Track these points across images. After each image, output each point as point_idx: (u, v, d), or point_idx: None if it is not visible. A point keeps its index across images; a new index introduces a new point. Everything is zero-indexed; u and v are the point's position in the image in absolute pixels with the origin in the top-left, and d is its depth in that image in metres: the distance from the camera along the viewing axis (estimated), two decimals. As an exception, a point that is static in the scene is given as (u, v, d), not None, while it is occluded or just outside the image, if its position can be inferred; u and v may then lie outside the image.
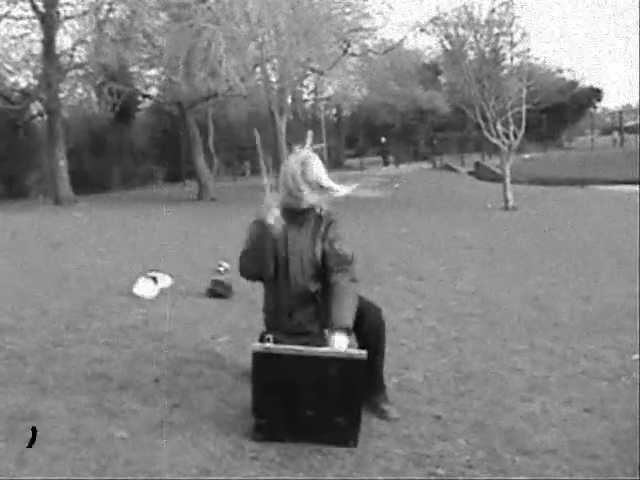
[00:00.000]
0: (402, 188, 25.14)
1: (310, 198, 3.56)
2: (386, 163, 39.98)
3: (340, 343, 3.30)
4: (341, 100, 33.51)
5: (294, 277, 3.62)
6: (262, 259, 3.59)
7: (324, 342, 3.48)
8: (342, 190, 3.70)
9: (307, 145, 3.73)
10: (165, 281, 6.82)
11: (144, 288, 6.50)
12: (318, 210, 3.63)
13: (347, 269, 3.55)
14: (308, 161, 3.57)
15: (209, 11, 18.35)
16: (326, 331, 3.41)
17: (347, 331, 3.35)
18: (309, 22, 18.60)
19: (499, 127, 17.44)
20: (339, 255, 3.58)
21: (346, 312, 3.41)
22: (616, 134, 45.87)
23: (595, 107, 48.88)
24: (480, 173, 31.17)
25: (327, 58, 21.33)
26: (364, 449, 3.24)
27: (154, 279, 6.66)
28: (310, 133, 3.88)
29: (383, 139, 39.33)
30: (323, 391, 3.25)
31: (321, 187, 3.58)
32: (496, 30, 18.33)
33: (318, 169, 3.58)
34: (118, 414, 3.60)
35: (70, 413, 3.60)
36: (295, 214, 3.60)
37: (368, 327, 3.57)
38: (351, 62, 25.04)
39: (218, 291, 6.44)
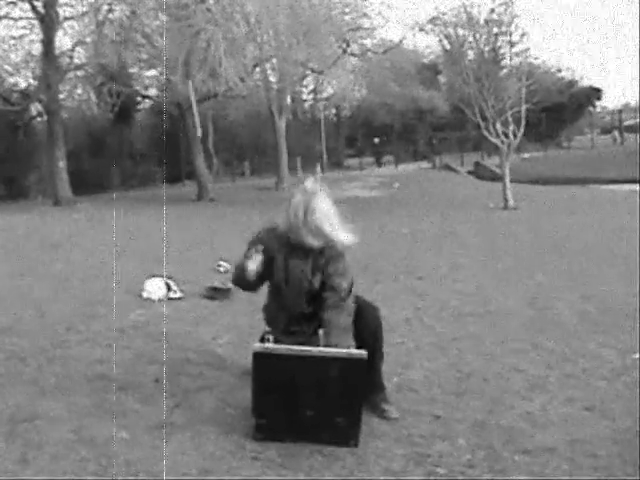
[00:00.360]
0: (402, 188, 25.13)
1: (311, 242, 3.50)
2: (379, 164, 39.33)
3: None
4: (340, 100, 33.49)
5: (292, 300, 3.65)
6: (243, 285, 3.72)
7: (319, 340, 3.51)
8: (346, 240, 3.55)
9: (317, 175, 3.66)
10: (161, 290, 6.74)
11: (152, 290, 6.49)
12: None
13: (342, 306, 3.53)
14: (312, 206, 3.45)
15: (208, 12, 18.35)
16: (320, 331, 3.43)
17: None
18: (308, 22, 18.62)
19: (498, 126, 17.44)
20: (335, 291, 3.55)
21: (343, 340, 3.42)
22: (616, 133, 45.88)
23: (594, 106, 48.89)
24: (479, 173, 31.20)
25: (326, 58, 21.35)
26: (364, 449, 3.24)
27: (166, 285, 6.63)
28: (318, 170, 3.78)
29: (376, 140, 38.62)
30: (323, 391, 3.25)
31: (324, 235, 3.49)
32: (495, 30, 18.36)
33: (323, 215, 3.47)
34: (118, 414, 3.60)
35: (70, 414, 3.60)
36: (298, 245, 3.55)
37: (365, 327, 3.57)
38: (350, 62, 25.06)
39: (216, 297, 6.44)
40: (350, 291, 3.58)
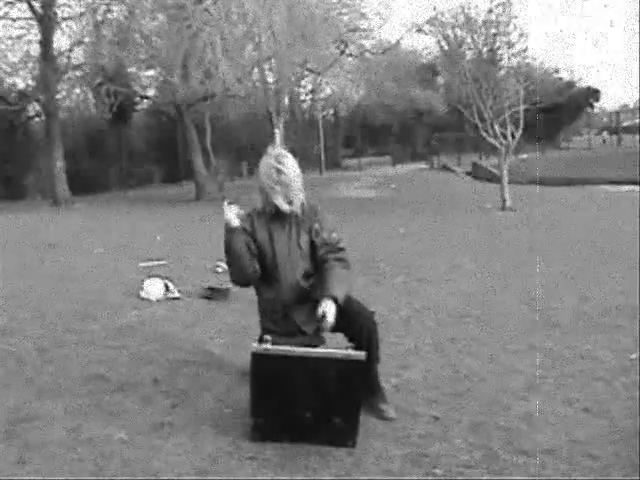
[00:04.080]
0: (399, 188, 25.14)
1: (285, 207, 3.56)
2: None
3: (327, 308, 3.35)
4: (338, 100, 33.47)
5: (285, 276, 3.63)
6: (238, 264, 3.63)
7: (320, 342, 3.50)
8: (299, 210, 3.61)
9: (277, 143, 3.71)
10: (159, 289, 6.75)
11: (150, 290, 6.49)
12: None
13: (339, 255, 3.59)
14: (284, 169, 3.54)
15: (206, 12, 18.35)
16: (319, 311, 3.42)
17: (335, 300, 3.38)
18: (306, 23, 18.61)
19: (496, 127, 17.45)
20: (328, 243, 3.61)
21: (335, 282, 3.46)
22: (605, 134, 46.03)
23: (592, 107, 48.92)
24: (477, 173, 31.18)
25: (324, 58, 21.33)
26: (362, 449, 3.24)
27: (165, 285, 6.64)
28: (277, 132, 3.87)
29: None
30: (321, 392, 3.25)
31: (297, 196, 3.57)
32: (493, 30, 18.35)
33: (292, 178, 3.56)
34: (116, 415, 3.60)
35: (68, 414, 3.60)
36: (275, 215, 3.62)
37: (360, 332, 3.55)
38: (348, 62, 25.05)
39: (213, 297, 6.44)
40: (341, 242, 3.64)
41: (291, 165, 3.58)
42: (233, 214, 3.55)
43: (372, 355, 3.58)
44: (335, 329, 3.57)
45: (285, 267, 3.62)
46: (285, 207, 3.55)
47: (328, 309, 3.35)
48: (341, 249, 3.63)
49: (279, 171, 3.52)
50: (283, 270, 3.62)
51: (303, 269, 3.63)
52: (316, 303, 3.46)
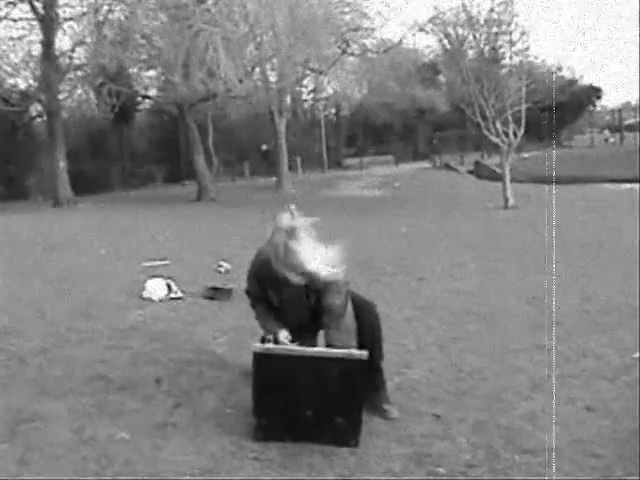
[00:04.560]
0: (402, 187, 25.13)
1: (295, 280, 3.44)
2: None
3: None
4: (340, 100, 33.49)
5: (289, 317, 3.68)
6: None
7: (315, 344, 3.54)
8: (329, 275, 3.43)
9: (293, 213, 3.49)
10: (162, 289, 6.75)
11: (153, 290, 6.49)
12: None
13: (339, 326, 3.54)
14: (291, 246, 3.34)
15: (207, 12, 18.35)
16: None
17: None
18: (307, 22, 18.61)
19: (499, 126, 17.43)
20: (330, 311, 3.55)
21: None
22: (607, 132, 45.90)
23: (594, 105, 48.84)
24: (480, 172, 31.12)
25: (326, 58, 21.35)
26: (365, 449, 3.24)
27: (167, 285, 6.64)
28: (293, 208, 3.57)
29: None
30: (324, 391, 3.26)
31: (306, 274, 3.41)
32: (495, 29, 18.33)
33: (303, 254, 3.34)
34: (119, 415, 3.60)
35: (71, 414, 3.60)
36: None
37: (363, 327, 3.57)
38: (350, 62, 25.06)
39: (216, 297, 6.44)
40: (345, 307, 3.56)
41: (303, 245, 3.36)
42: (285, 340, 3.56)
43: (376, 350, 3.60)
44: None
45: (292, 314, 3.67)
46: (295, 279, 3.44)
47: None
48: (340, 316, 3.54)
49: (288, 252, 3.34)
50: (289, 316, 3.68)
51: (309, 315, 3.66)
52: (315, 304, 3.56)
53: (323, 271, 3.39)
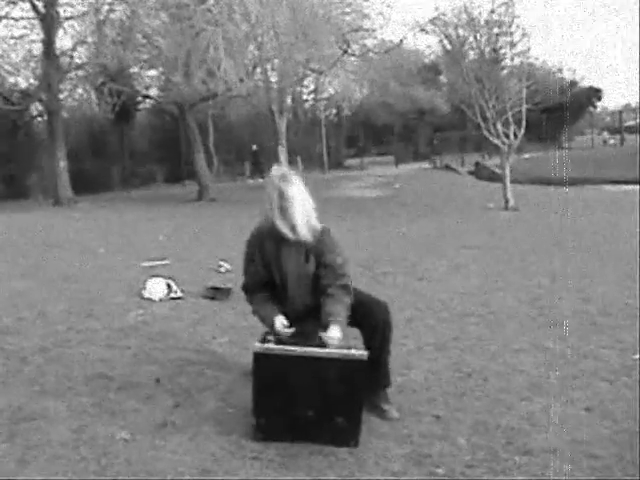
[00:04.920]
0: (402, 188, 25.13)
1: (290, 236, 3.50)
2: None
3: (333, 333, 3.35)
4: (341, 100, 33.49)
5: (293, 295, 3.65)
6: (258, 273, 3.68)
7: (322, 341, 3.52)
8: (305, 239, 3.53)
9: (283, 163, 3.60)
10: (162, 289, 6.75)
11: (153, 290, 6.49)
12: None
13: (341, 282, 3.55)
14: (286, 196, 3.44)
15: (208, 12, 18.35)
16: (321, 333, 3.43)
17: (340, 324, 3.39)
18: (308, 22, 18.61)
19: (499, 127, 17.44)
20: (334, 268, 3.56)
21: (340, 309, 3.45)
22: (606, 134, 45.95)
23: (595, 107, 48.87)
24: (480, 173, 31.13)
25: (327, 58, 21.34)
26: (364, 449, 3.24)
27: (167, 285, 6.64)
28: (283, 150, 3.71)
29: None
30: (323, 391, 3.26)
31: (301, 227, 3.48)
32: (496, 30, 18.33)
33: (297, 206, 3.45)
34: (119, 414, 3.60)
35: (71, 413, 3.61)
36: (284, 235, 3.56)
37: (375, 324, 3.58)
38: (351, 62, 25.05)
39: (216, 297, 6.44)
40: (345, 266, 3.59)
41: (296, 189, 3.49)
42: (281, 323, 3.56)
43: (385, 347, 3.61)
44: (349, 323, 3.61)
45: (293, 287, 3.63)
46: (289, 235, 3.49)
47: (334, 334, 3.37)
48: (343, 275, 3.58)
49: (281, 195, 3.44)
50: (292, 289, 3.64)
51: (310, 289, 3.63)
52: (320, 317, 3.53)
53: (305, 232, 3.50)
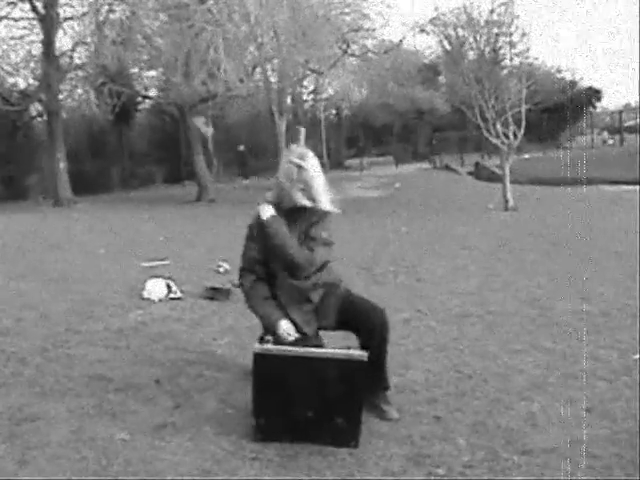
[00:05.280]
0: (402, 188, 25.14)
1: (301, 200, 3.58)
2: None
3: None
4: (341, 100, 33.54)
5: (296, 272, 3.63)
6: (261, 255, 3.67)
7: (320, 344, 3.52)
8: (329, 207, 3.66)
9: (301, 143, 3.74)
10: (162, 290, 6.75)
11: (153, 290, 6.49)
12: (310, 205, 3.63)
13: (326, 243, 3.66)
14: (305, 165, 3.56)
15: (208, 12, 18.36)
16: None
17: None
18: (308, 23, 18.61)
19: (499, 127, 17.44)
20: (316, 238, 3.63)
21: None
22: (605, 134, 45.97)
23: (595, 107, 48.86)
24: (480, 173, 31.14)
25: (327, 59, 21.34)
26: (364, 449, 3.24)
27: (167, 285, 6.64)
28: (302, 130, 3.90)
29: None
30: (323, 392, 3.26)
31: (313, 193, 3.59)
32: (495, 30, 18.35)
33: (314, 173, 3.59)
34: (119, 415, 3.60)
35: (70, 414, 3.61)
36: (288, 211, 3.63)
37: (372, 329, 3.58)
38: (351, 62, 25.06)
39: (215, 297, 6.44)
40: (328, 244, 3.68)
41: (313, 164, 3.60)
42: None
43: (383, 351, 3.61)
44: (345, 328, 3.65)
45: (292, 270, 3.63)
46: (305, 202, 3.57)
47: None
48: (326, 244, 3.66)
49: (300, 168, 3.55)
50: (287, 269, 3.63)
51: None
52: (315, 304, 3.56)
53: (325, 200, 3.63)
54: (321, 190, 3.61)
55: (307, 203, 3.58)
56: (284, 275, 3.63)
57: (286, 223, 3.61)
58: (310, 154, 3.64)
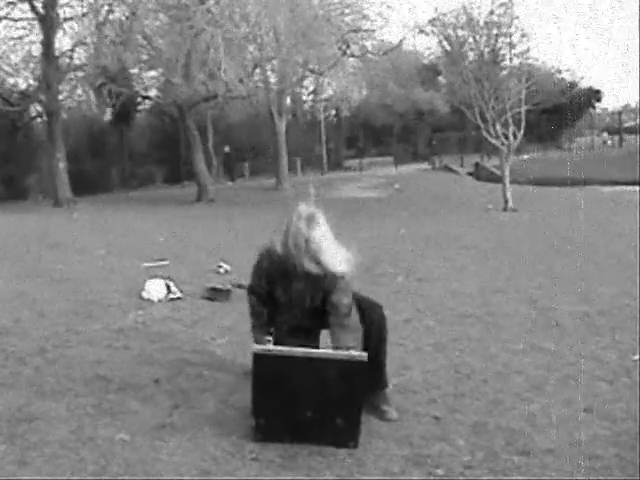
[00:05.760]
0: (401, 189, 25.14)
1: (312, 269, 3.48)
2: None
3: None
4: (340, 101, 33.49)
5: (290, 316, 3.68)
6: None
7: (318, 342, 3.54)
8: (342, 269, 3.53)
9: (312, 198, 3.63)
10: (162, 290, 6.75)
11: (152, 291, 6.49)
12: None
13: (346, 324, 3.53)
14: (312, 235, 3.43)
15: (208, 13, 18.36)
16: None
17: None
18: (308, 23, 18.62)
19: (498, 128, 17.44)
20: (336, 308, 3.55)
21: (347, 341, 3.48)
22: (605, 135, 46.04)
23: (594, 108, 48.87)
24: (479, 174, 31.17)
25: (326, 59, 21.35)
26: (364, 450, 3.24)
27: (166, 285, 6.64)
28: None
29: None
30: (323, 392, 3.26)
31: (323, 264, 3.47)
32: (495, 31, 18.36)
33: (323, 244, 3.45)
34: (118, 415, 3.60)
35: (70, 414, 3.60)
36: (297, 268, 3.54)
37: (370, 326, 3.59)
38: (350, 63, 25.07)
39: (215, 298, 6.44)
40: (350, 307, 3.58)
41: (323, 232, 3.47)
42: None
43: (382, 349, 3.61)
44: None
45: (293, 314, 3.67)
46: (313, 268, 3.47)
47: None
48: (346, 315, 3.55)
49: (308, 241, 3.42)
50: (290, 314, 3.68)
51: (310, 314, 3.66)
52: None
53: (338, 265, 3.49)
54: (332, 254, 3.48)
55: (318, 271, 3.48)
56: (282, 311, 3.71)
57: (295, 274, 3.54)
58: (320, 219, 3.50)
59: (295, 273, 3.53)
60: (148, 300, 6.34)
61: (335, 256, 3.49)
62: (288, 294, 3.64)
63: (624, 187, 24.21)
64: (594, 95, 45.94)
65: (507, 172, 17.61)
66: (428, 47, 35.12)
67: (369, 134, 43.44)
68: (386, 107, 37.17)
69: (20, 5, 20.85)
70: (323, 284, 3.57)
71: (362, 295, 3.76)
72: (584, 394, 3.97)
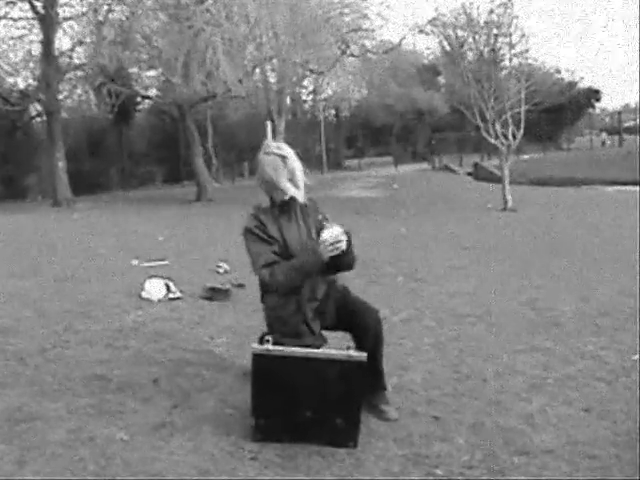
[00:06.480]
0: (401, 188, 25.14)
1: (293, 191, 3.61)
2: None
3: (335, 228, 3.45)
4: (340, 101, 33.53)
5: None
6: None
7: (323, 342, 3.51)
8: (294, 193, 3.65)
9: (269, 137, 3.76)
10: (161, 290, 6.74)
11: (152, 291, 6.49)
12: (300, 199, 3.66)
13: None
14: (288, 155, 3.64)
15: (207, 12, 18.36)
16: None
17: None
18: (307, 23, 18.63)
19: (498, 128, 17.45)
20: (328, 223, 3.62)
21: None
22: (604, 135, 46.10)
23: (594, 108, 48.92)
24: (479, 174, 31.19)
25: (326, 59, 21.37)
26: (363, 450, 3.24)
27: (166, 285, 6.64)
28: (269, 124, 3.92)
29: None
30: (323, 392, 3.26)
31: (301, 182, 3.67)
32: (495, 31, 18.36)
33: (296, 166, 3.66)
34: (117, 415, 3.60)
35: (69, 414, 3.60)
36: (281, 205, 3.63)
37: (367, 330, 3.57)
38: (350, 63, 25.08)
39: (215, 298, 6.43)
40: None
41: (293, 153, 3.67)
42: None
43: (378, 353, 3.60)
44: (340, 327, 3.64)
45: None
46: (293, 190, 3.60)
47: (338, 228, 3.46)
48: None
49: (284, 158, 3.60)
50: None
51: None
52: (321, 301, 3.57)
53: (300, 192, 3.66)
54: (302, 178, 3.68)
55: (294, 192, 3.61)
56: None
57: (282, 217, 3.61)
58: (285, 145, 3.71)
59: (282, 214, 3.60)
60: (147, 300, 6.34)
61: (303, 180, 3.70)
62: (284, 238, 3.58)
63: (624, 187, 24.22)
64: (593, 95, 45.98)
65: (506, 172, 17.62)
66: (428, 47, 35.22)
67: (369, 134, 43.45)
68: (386, 107, 37.20)
69: (20, 4, 20.86)
70: (309, 217, 3.67)
71: (358, 299, 3.71)
72: (584, 394, 3.97)
